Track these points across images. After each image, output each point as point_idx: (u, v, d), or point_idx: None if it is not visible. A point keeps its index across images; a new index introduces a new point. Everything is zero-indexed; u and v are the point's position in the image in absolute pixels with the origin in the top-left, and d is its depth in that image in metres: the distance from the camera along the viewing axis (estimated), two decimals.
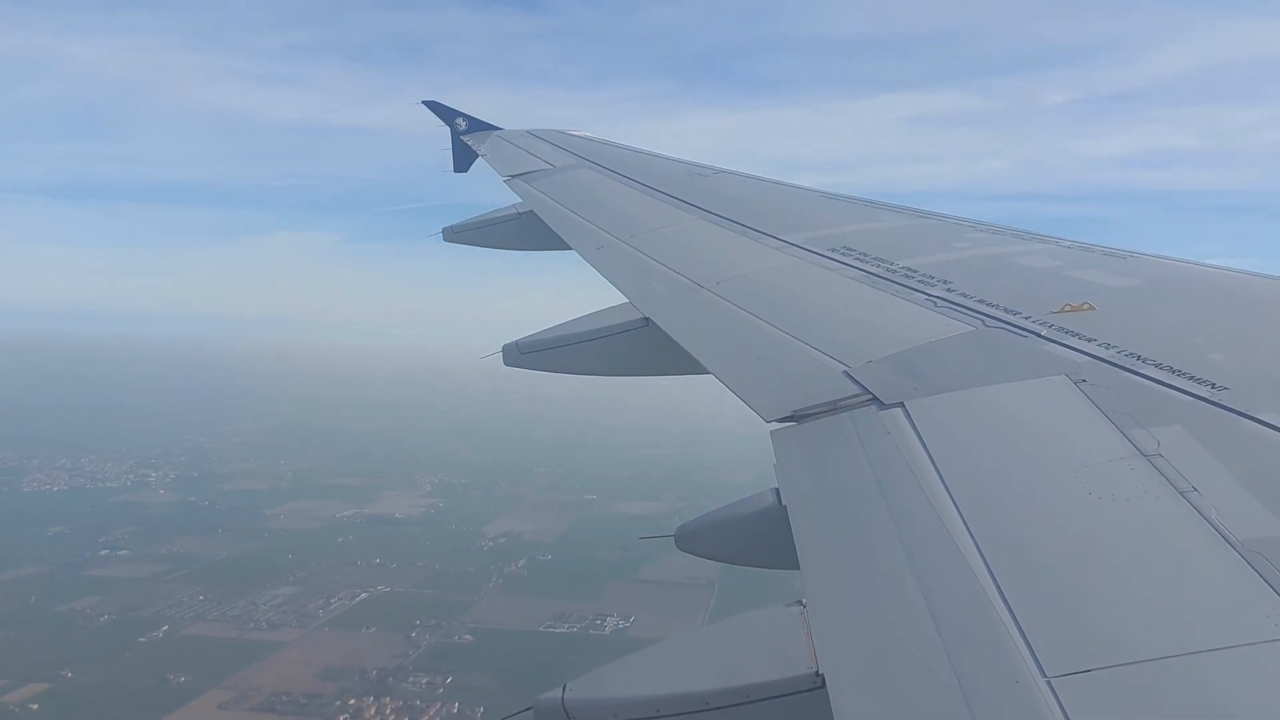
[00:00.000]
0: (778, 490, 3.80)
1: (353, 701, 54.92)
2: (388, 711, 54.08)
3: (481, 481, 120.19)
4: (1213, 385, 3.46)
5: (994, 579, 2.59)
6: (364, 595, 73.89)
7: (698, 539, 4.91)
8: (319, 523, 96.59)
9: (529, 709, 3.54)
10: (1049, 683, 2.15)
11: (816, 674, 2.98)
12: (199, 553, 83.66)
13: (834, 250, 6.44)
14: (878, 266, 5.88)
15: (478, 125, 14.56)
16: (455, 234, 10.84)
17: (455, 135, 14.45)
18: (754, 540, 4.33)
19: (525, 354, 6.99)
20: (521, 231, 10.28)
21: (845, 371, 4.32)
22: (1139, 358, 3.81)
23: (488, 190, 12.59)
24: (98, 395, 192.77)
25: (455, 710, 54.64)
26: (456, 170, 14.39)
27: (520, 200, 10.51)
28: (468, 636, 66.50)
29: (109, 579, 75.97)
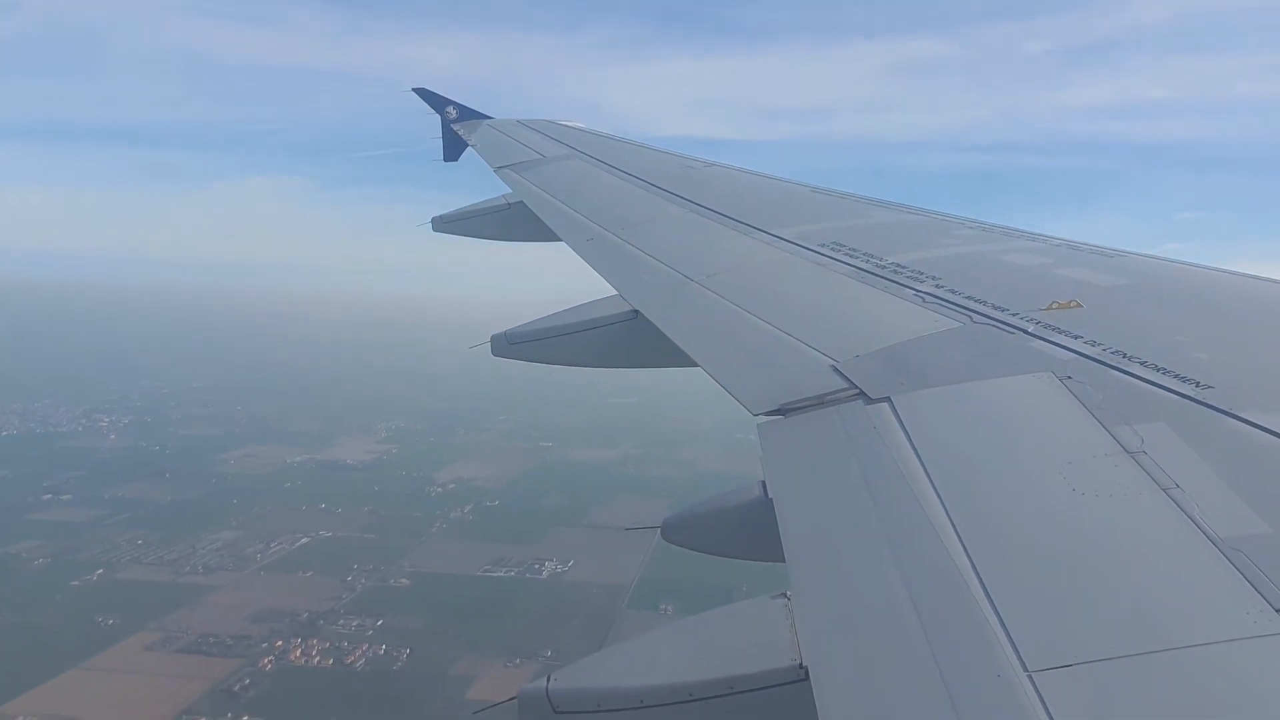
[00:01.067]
0: (764, 483, 3.86)
1: (279, 643, 55.15)
2: (314, 653, 54.33)
3: (439, 428, 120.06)
4: (1197, 384, 3.49)
5: (977, 574, 2.60)
6: (305, 540, 73.92)
7: (684, 530, 5.04)
8: (269, 468, 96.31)
9: (514, 699, 3.55)
10: (1030, 677, 2.16)
11: (800, 666, 3.04)
12: (143, 497, 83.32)
13: (824, 245, 6.45)
14: (867, 262, 5.91)
15: (468, 113, 14.55)
16: (444, 224, 10.91)
17: (445, 123, 14.42)
18: (740, 532, 4.43)
19: (513, 345, 7.02)
20: (511, 222, 10.29)
21: (833, 366, 4.33)
22: (1125, 355, 3.85)
23: (478, 179, 12.74)
24: (57, 340, 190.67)
25: (382, 651, 54.96)
26: (446, 159, 14.40)
27: (510, 190, 10.54)
28: (404, 580, 66.79)
29: (48, 523, 75.56)
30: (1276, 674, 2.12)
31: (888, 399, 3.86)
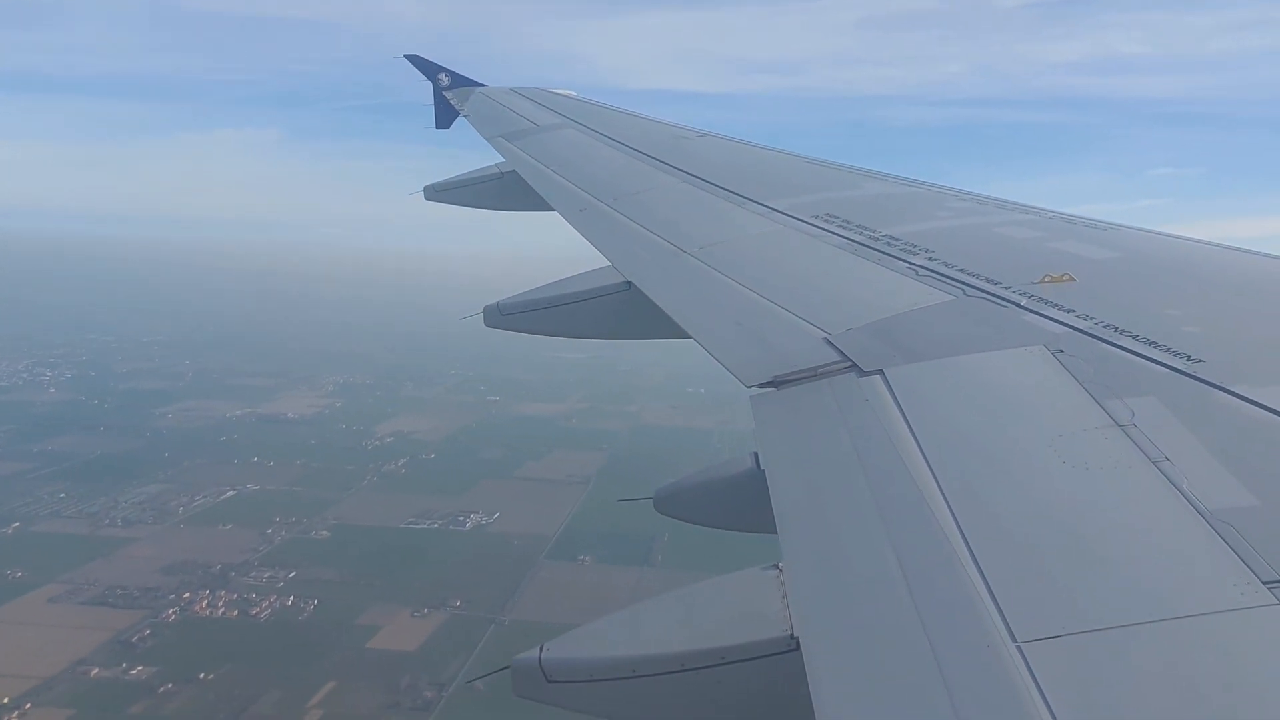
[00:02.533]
0: (756, 455, 3.91)
1: (187, 595, 55.18)
2: (220, 604, 54.41)
3: (387, 382, 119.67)
4: (1188, 358, 3.50)
5: (968, 545, 2.62)
6: (231, 493, 73.73)
7: (676, 502, 5.05)
8: (207, 422, 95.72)
9: (506, 668, 3.55)
10: (1019, 648, 2.19)
11: (791, 637, 3.06)
12: (72, 451, 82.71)
13: (817, 217, 6.45)
14: (860, 234, 5.91)
15: (460, 80, 14.47)
16: (437, 193, 10.84)
17: (437, 91, 14.32)
18: (732, 504, 4.47)
19: (506, 315, 7.01)
20: (504, 191, 10.30)
21: (825, 338, 4.34)
22: (1116, 329, 3.87)
23: (470, 148, 12.71)
24: (7, 295, 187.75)
25: (289, 602, 55.09)
26: (439, 127, 14.34)
27: (503, 160, 10.47)
28: (325, 532, 66.81)
29: None
30: (1262, 646, 2.13)
31: (880, 372, 3.87)
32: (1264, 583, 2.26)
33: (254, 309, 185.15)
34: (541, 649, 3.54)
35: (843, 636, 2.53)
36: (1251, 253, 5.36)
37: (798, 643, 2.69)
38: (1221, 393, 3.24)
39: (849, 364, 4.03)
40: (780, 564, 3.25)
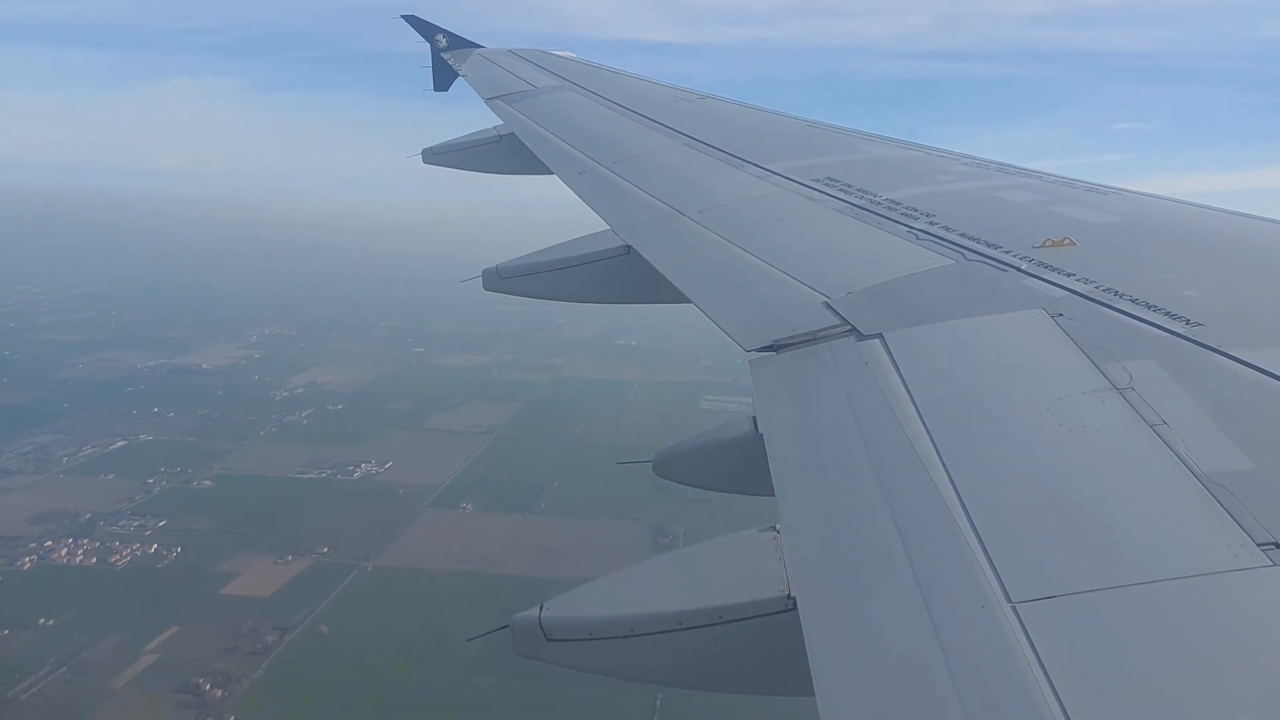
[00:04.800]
0: (755, 418, 3.84)
1: (49, 544, 54.78)
2: (79, 552, 54.03)
3: (314, 334, 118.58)
4: (1187, 321, 3.52)
5: (964, 507, 2.64)
6: (121, 443, 73.03)
7: (674, 465, 5.03)
8: (117, 373, 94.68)
9: (505, 626, 3.56)
10: (1014, 608, 2.21)
11: (788, 597, 3.10)
12: None
13: (817, 180, 6.44)
14: (861, 198, 5.91)
15: (459, 42, 14.41)
16: (435, 155, 10.76)
17: (435, 52, 14.28)
18: (730, 467, 4.46)
19: (505, 279, 6.99)
20: (502, 154, 10.25)
21: (825, 302, 4.35)
22: (1116, 293, 3.88)
23: (468, 111, 12.69)
24: None
25: (151, 550, 54.85)
26: (437, 89, 14.35)
27: (501, 122, 10.41)
28: (207, 482, 66.40)
29: None
30: (1256, 607, 2.15)
31: (879, 336, 3.89)
32: (1258, 544, 2.28)
33: (196, 261, 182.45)
34: (541, 608, 3.53)
35: (839, 597, 2.55)
36: (1252, 217, 5.33)
37: (794, 603, 2.73)
38: (1220, 356, 3.25)
39: (848, 328, 4.04)
40: (778, 526, 3.26)
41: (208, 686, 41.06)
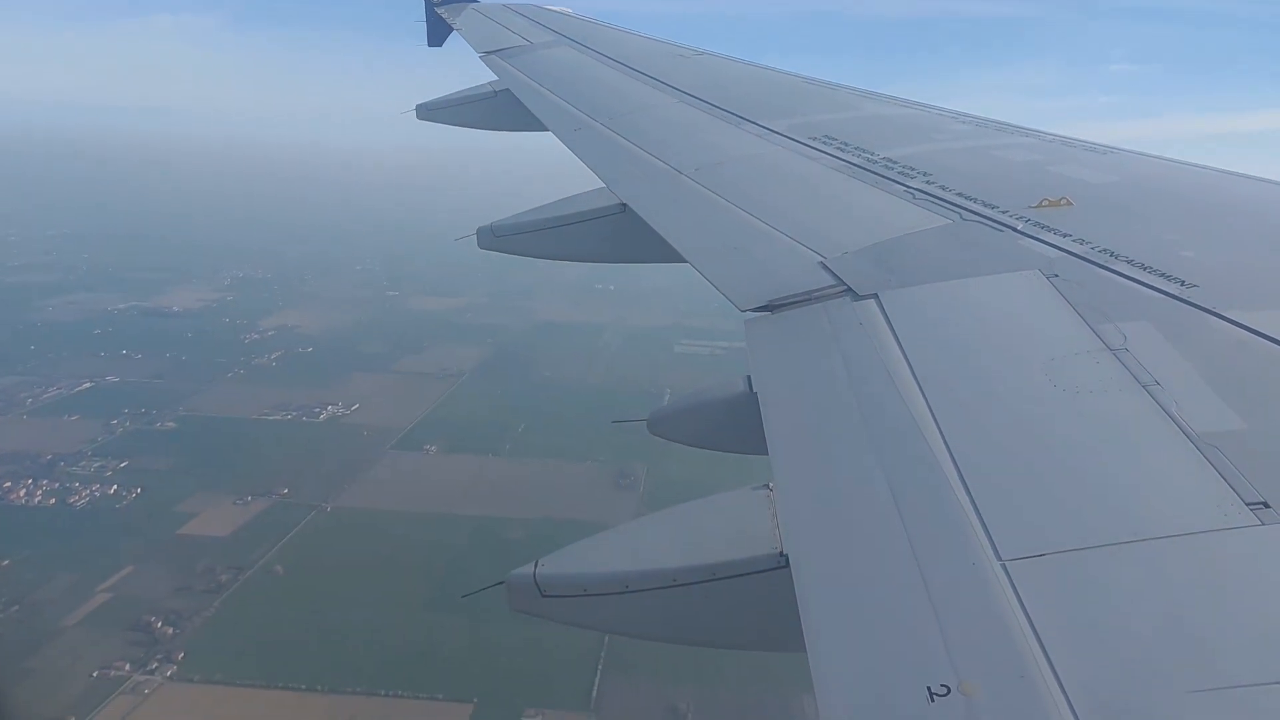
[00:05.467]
0: (749, 378, 3.89)
1: (7, 484, 54.80)
2: (38, 493, 54.09)
3: (288, 276, 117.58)
4: (1182, 282, 3.55)
5: (956, 467, 2.69)
6: (87, 385, 72.71)
7: (669, 424, 5.02)
8: (87, 315, 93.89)
9: (501, 583, 3.60)
10: (1004, 566, 2.26)
11: (780, 554, 3.09)
12: None
13: (815, 139, 6.44)
14: (858, 156, 5.93)
15: None
16: (429, 112, 10.71)
17: (429, 7, 14.25)
18: (725, 426, 4.45)
19: (500, 237, 7.03)
20: (497, 111, 10.19)
21: (821, 262, 4.38)
22: (1112, 254, 3.92)
23: (461, 62, 12.58)
24: None
25: (111, 491, 54.93)
26: (431, 44, 14.20)
27: (496, 78, 10.38)
28: (171, 424, 66.31)
29: None
30: (1244, 565, 2.18)
31: (875, 296, 3.92)
32: (1247, 504, 2.31)
33: (172, 202, 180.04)
34: (536, 564, 3.57)
35: (830, 554, 2.58)
36: (1250, 178, 5.33)
37: (787, 560, 2.75)
38: (1214, 317, 3.27)
39: (844, 288, 4.06)
40: (771, 484, 3.31)
41: (159, 625, 41.45)
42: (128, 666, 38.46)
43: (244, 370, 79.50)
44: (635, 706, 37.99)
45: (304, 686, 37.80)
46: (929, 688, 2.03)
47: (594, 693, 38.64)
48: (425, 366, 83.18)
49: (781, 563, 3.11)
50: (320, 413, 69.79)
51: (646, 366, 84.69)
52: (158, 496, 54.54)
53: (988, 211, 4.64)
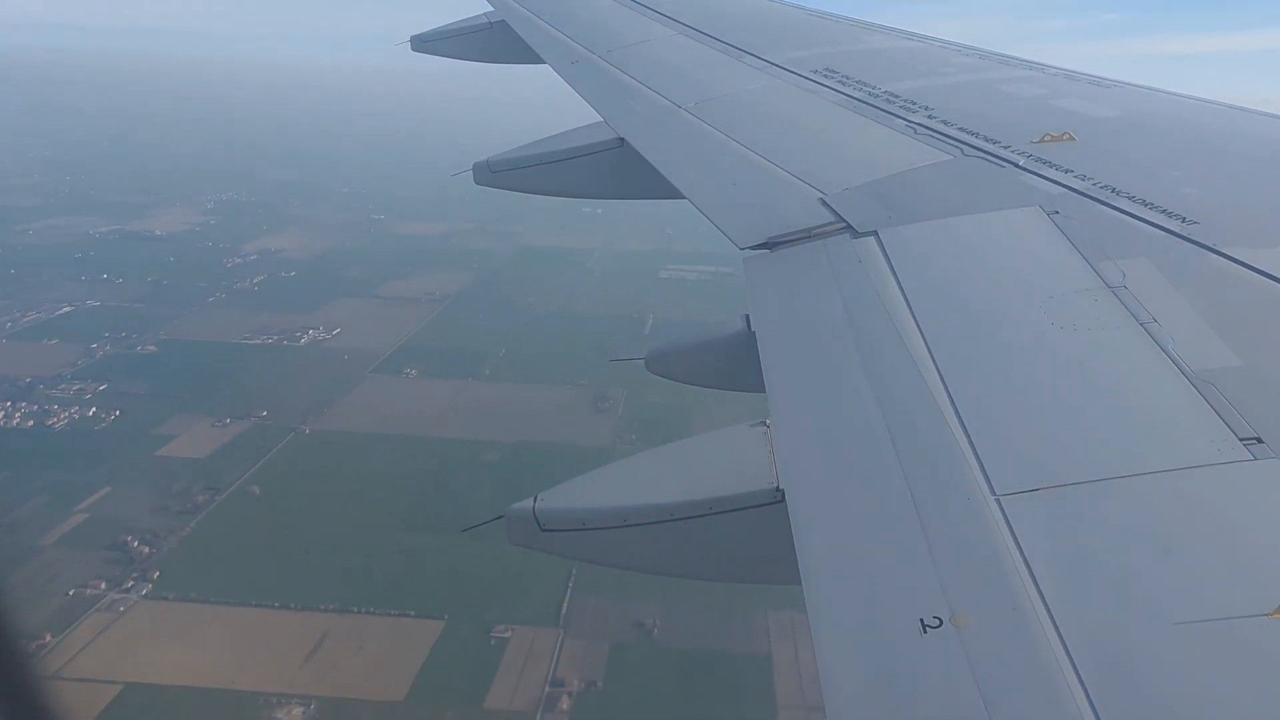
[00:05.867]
0: (747, 317, 3.95)
1: None
2: (16, 415, 54.31)
3: (273, 200, 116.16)
4: (1183, 219, 3.54)
5: (953, 403, 2.70)
6: (67, 309, 72.45)
7: (667, 362, 5.07)
8: (69, 240, 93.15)
9: (501, 517, 3.60)
10: (998, 500, 2.28)
11: (777, 489, 3.13)
12: None
13: (816, 72, 6.39)
14: (859, 90, 5.86)
15: None
16: (423, 44, 10.48)
17: None
18: (722, 364, 4.52)
19: (496, 173, 6.96)
20: (492, 43, 10.03)
21: (821, 199, 4.34)
22: (1114, 190, 3.89)
23: None
24: None
25: (90, 414, 55.11)
26: None
27: (492, 9, 10.26)
28: (152, 347, 66.26)
29: None
30: (1237, 500, 2.20)
31: (874, 233, 3.89)
32: (1240, 440, 2.32)
33: (158, 124, 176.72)
34: (535, 499, 3.59)
35: (826, 489, 2.61)
36: (1254, 112, 5.25)
37: (783, 495, 2.78)
38: (1214, 255, 3.26)
39: (844, 225, 4.03)
40: (768, 420, 3.31)
41: (135, 544, 41.99)
42: (103, 585, 39.06)
43: (225, 294, 79.10)
44: (603, 622, 38.76)
45: (277, 604, 38.45)
46: (922, 619, 2.04)
47: (563, 609, 39.36)
48: (408, 291, 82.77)
49: (778, 498, 3.14)
50: (301, 337, 69.66)
51: (630, 292, 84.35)
52: (136, 419, 54.75)
53: (989, 147, 4.59)
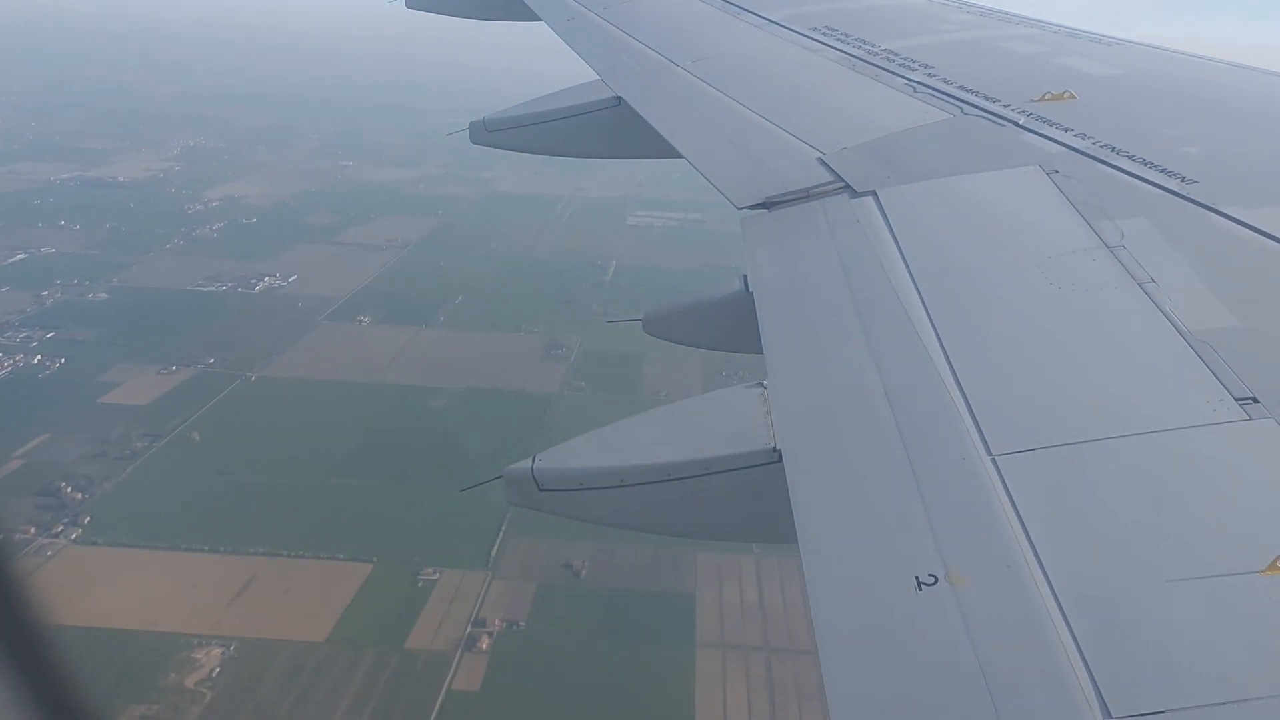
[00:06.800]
0: (745, 278, 4.08)
1: None
2: None
3: (240, 145, 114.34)
4: (1182, 178, 3.53)
5: (949, 363, 2.71)
6: (21, 256, 71.72)
7: (665, 323, 5.04)
8: (28, 186, 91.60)
9: (499, 477, 3.62)
10: (994, 460, 2.29)
11: (774, 449, 3.16)
12: None
13: (815, 29, 6.32)
14: (859, 48, 5.81)
15: None
16: (418, 1, 10.34)
17: None
18: (721, 325, 4.52)
19: (492, 132, 6.93)
20: (488, 0, 9.95)
21: (819, 158, 4.34)
22: (1113, 149, 3.89)
23: None
24: None
25: (35, 361, 54.82)
26: None
27: None
28: (103, 295, 65.74)
29: None
30: (1231, 459, 2.21)
31: (873, 193, 3.88)
32: (1236, 399, 2.32)
33: (129, 71, 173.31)
34: (534, 459, 3.58)
35: (822, 449, 2.62)
36: (1255, 69, 5.20)
37: (779, 455, 2.77)
38: (1213, 214, 3.26)
39: (842, 185, 4.02)
40: (765, 381, 3.27)
41: (69, 490, 41.99)
42: (33, 530, 39.12)
43: (183, 241, 78.33)
44: (532, 564, 39.02)
45: (206, 548, 38.60)
46: (917, 577, 2.05)
47: (494, 551, 39.58)
48: (370, 238, 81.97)
49: (775, 458, 3.16)
50: (256, 284, 69.12)
51: (595, 238, 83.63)
52: (81, 366, 54.45)
53: (989, 105, 4.55)
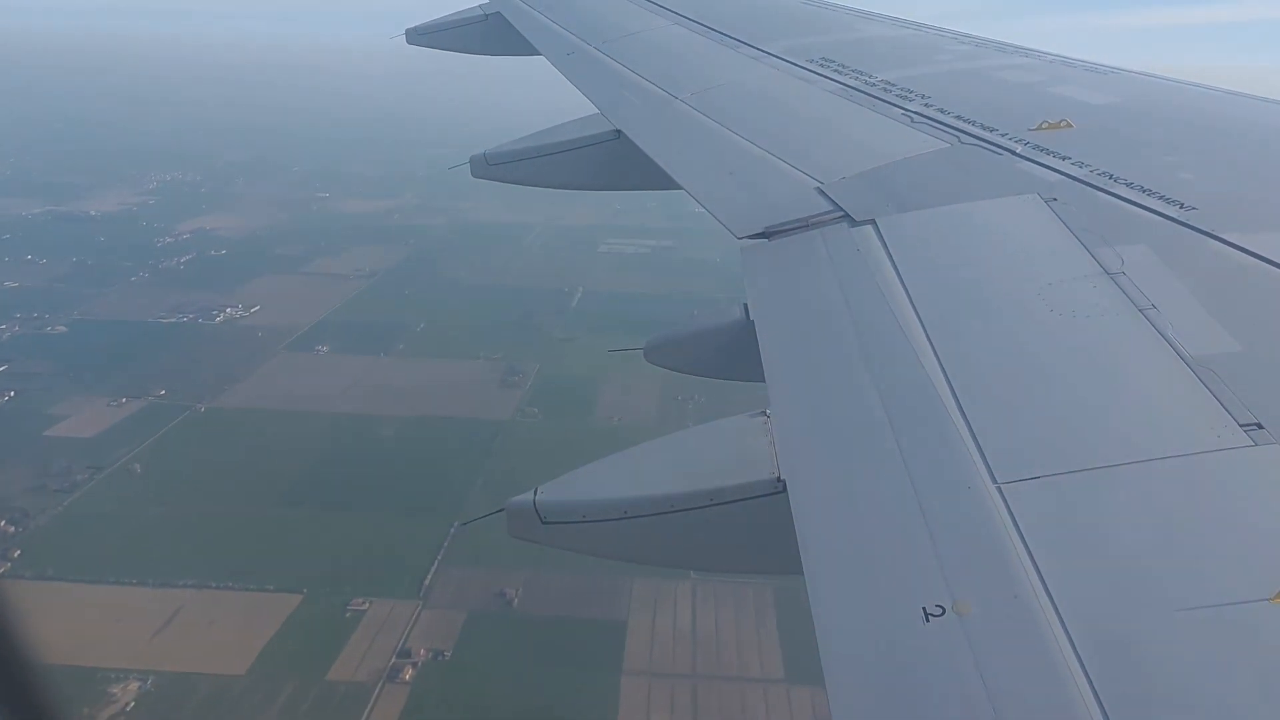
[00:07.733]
0: (746, 306, 4.11)
1: None
2: None
3: (217, 179, 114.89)
4: (1181, 205, 3.53)
5: (953, 391, 2.69)
6: None
7: (666, 352, 5.07)
8: None
9: (501, 510, 3.56)
10: (999, 489, 2.27)
11: (778, 479, 3.12)
12: None
13: (812, 61, 6.37)
14: (856, 79, 5.86)
15: None
16: (418, 36, 10.42)
17: None
18: (722, 354, 4.55)
19: (493, 165, 6.99)
20: (487, 35, 10.08)
21: (818, 188, 4.35)
22: (1111, 177, 3.89)
23: None
24: None
25: None
26: None
27: (487, 0, 10.30)
28: (61, 328, 65.64)
29: None
30: (1237, 485, 2.19)
31: (872, 221, 3.88)
32: (1241, 425, 2.30)
33: (112, 106, 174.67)
34: (536, 491, 3.55)
35: (827, 479, 2.60)
36: (1251, 97, 5.26)
37: (784, 485, 2.75)
38: (1212, 240, 3.24)
39: (841, 214, 4.02)
40: (768, 411, 3.30)
41: (2, 523, 41.61)
42: None
43: (149, 274, 78.32)
44: (465, 593, 38.55)
45: (135, 581, 38.17)
46: (924, 608, 2.03)
47: (427, 580, 39.14)
48: (338, 268, 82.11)
49: (779, 488, 3.10)
50: (217, 315, 69.04)
51: (564, 265, 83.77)
52: (32, 400, 54.28)
53: (987, 134, 4.57)
